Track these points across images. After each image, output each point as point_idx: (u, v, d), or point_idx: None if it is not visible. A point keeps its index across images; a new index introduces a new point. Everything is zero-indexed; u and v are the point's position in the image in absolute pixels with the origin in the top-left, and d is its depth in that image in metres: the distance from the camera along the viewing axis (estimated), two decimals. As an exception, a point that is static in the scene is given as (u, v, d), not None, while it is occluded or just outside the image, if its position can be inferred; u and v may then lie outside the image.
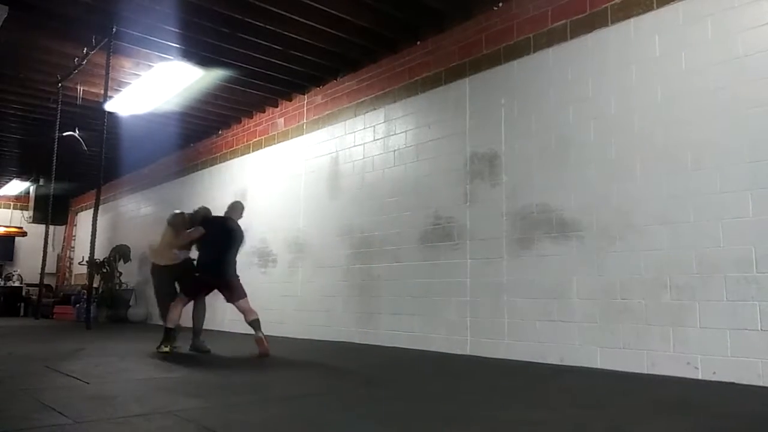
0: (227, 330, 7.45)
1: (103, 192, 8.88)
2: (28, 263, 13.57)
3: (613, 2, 4.52)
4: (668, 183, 4.07)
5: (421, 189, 5.89)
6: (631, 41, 4.41)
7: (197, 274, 5.39)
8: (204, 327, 5.55)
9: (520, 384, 3.82)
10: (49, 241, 9.40)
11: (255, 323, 5.22)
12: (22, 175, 12.57)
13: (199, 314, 5.52)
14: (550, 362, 4.51)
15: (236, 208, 5.80)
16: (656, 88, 4.22)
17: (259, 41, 6.12)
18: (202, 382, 3.86)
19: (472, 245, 5.30)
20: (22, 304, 13.30)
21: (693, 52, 4.06)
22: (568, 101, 4.74)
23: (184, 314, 5.30)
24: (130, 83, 7.10)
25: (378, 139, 6.49)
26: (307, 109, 7.66)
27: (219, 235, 5.47)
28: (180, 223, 5.76)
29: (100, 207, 6.49)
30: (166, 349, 5.05)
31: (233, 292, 5.37)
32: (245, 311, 5.32)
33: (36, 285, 11.67)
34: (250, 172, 8.52)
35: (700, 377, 3.73)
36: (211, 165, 9.52)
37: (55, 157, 7.85)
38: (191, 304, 5.41)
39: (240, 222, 5.69)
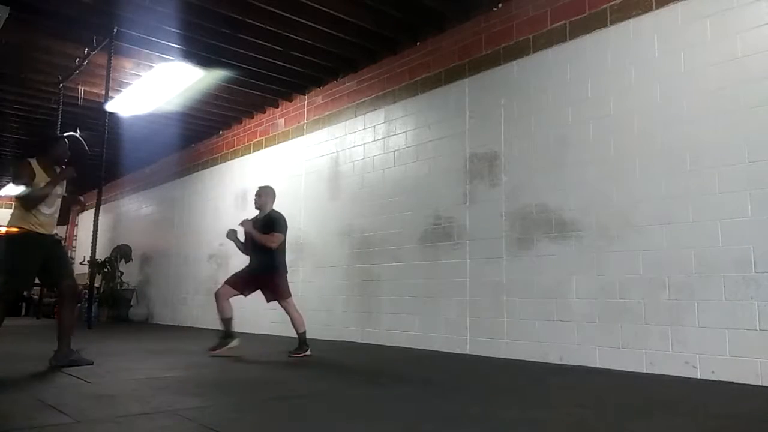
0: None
1: (105, 192, 8.94)
2: (30, 263, 13.55)
3: (612, 3, 4.53)
4: (667, 183, 4.08)
5: (420, 189, 5.90)
6: (630, 42, 4.42)
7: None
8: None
9: (520, 383, 3.83)
10: (50, 241, 9.41)
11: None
12: (23, 175, 12.58)
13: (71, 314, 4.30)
14: (549, 361, 4.53)
15: None
16: (655, 89, 4.23)
17: (260, 42, 6.14)
18: (203, 381, 3.87)
19: (471, 245, 5.32)
20: (24, 304, 13.31)
21: (692, 52, 4.07)
22: (567, 102, 4.75)
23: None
24: (131, 84, 7.12)
25: (378, 140, 6.50)
26: (307, 110, 7.67)
27: None
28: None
29: (102, 207, 6.50)
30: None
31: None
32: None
33: (37, 284, 11.64)
34: (250, 173, 8.53)
35: (698, 377, 3.74)
36: (212, 165, 9.55)
37: (56, 158, 7.85)
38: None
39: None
